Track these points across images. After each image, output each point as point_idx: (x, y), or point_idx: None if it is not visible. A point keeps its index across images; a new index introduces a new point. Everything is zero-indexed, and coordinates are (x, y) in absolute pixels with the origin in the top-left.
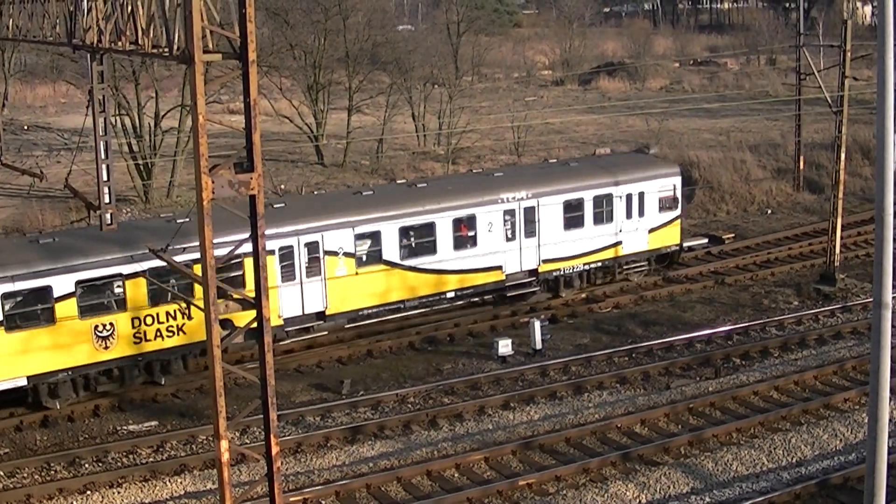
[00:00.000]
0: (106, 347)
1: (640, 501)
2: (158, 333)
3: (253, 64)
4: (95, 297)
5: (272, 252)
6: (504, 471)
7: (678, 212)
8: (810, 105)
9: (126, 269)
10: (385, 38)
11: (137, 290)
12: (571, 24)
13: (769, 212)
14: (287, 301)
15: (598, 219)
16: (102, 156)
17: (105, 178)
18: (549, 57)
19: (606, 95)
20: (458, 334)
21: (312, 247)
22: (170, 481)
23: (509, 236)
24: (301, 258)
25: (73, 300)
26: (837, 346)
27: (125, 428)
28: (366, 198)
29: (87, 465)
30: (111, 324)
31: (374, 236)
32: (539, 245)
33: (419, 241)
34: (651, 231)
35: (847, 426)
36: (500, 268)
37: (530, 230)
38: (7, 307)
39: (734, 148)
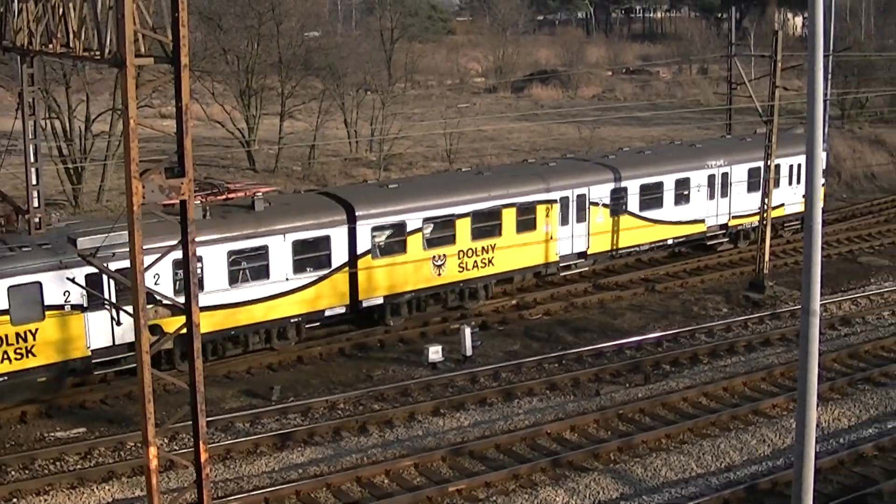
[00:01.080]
0: None
1: None
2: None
3: (185, 68)
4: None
5: (555, 201)
6: (434, 477)
7: (823, 181)
8: (741, 114)
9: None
10: (318, 44)
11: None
12: (505, 32)
13: None
14: (562, 242)
15: (758, 185)
16: (32, 159)
17: (34, 181)
18: (483, 64)
19: (539, 103)
20: (388, 340)
21: (581, 199)
22: (97, 488)
23: (710, 196)
24: (573, 207)
25: None
26: (766, 352)
27: (52, 434)
28: (613, 160)
29: (13, 473)
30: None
31: (623, 191)
32: (730, 203)
33: (652, 196)
34: (803, 196)
35: (775, 432)
36: (703, 221)
37: (725, 191)
38: None
39: None
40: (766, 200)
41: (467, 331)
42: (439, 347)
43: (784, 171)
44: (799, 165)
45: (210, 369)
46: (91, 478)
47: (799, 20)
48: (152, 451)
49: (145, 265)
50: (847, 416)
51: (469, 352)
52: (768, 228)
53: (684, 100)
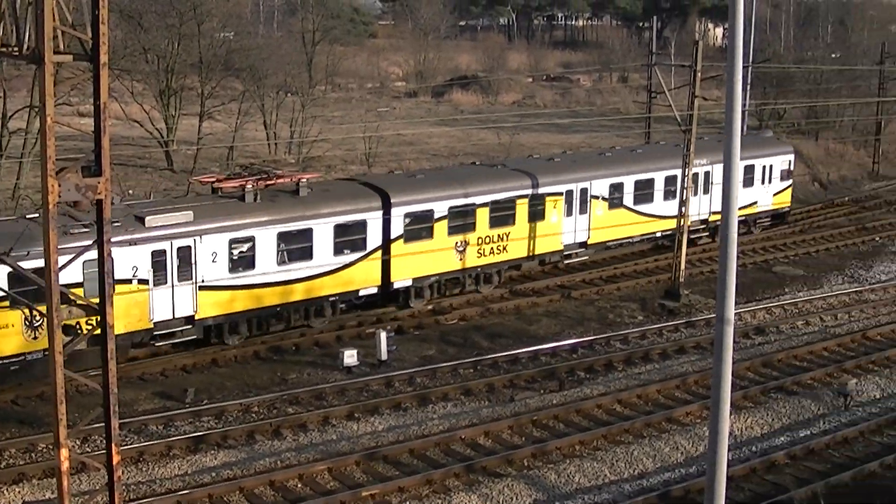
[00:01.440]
0: None
1: None
2: None
3: (104, 66)
4: None
5: (560, 194)
6: (347, 482)
7: (791, 181)
8: (660, 123)
9: None
10: (239, 45)
11: None
12: (427, 37)
13: None
14: (566, 232)
15: (748, 182)
16: None
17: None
18: (404, 68)
19: (459, 108)
20: (303, 344)
21: (584, 192)
22: (7, 490)
23: (693, 192)
24: (577, 200)
25: None
26: (680, 360)
27: None
28: (610, 157)
29: None
30: None
31: (620, 186)
32: (710, 200)
33: (645, 191)
34: (774, 194)
35: (688, 439)
36: (688, 216)
37: (707, 189)
38: None
39: None
40: (682, 210)
41: (383, 335)
42: (354, 351)
43: (757, 172)
44: (770, 166)
45: (124, 371)
46: (1, 479)
47: (720, 31)
48: (64, 452)
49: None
50: (760, 424)
51: (384, 356)
52: (685, 237)
53: (604, 107)
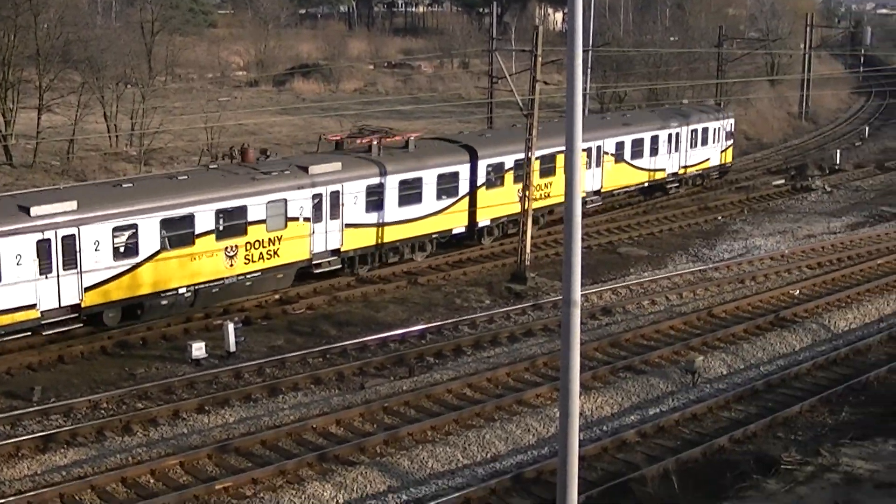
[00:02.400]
0: None
1: (337, 501)
2: None
3: None
4: None
5: (585, 150)
6: (200, 475)
7: (732, 141)
8: (502, 108)
9: None
10: (77, 36)
11: None
12: (267, 25)
13: None
14: (587, 182)
15: (704, 142)
16: None
17: None
18: (244, 58)
19: (301, 97)
20: (150, 338)
21: (599, 149)
22: None
23: (668, 150)
24: (594, 155)
25: None
26: (529, 343)
27: None
28: (610, 120)
29: None
30: None
31: (622, 144)
32: (680, 157)
33: (639, 148)
34: (721, 152)
35: (539, 421)
36: (664, 170)
37: (677, 147)
38: None
39: None
40: (526, 193)
41: (230, 326)
42: (202, 344)
43: (710, 134)
44: (718, 129)
45: None
46: None
47: (559, 16)
48: None
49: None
50: (609, 403)
51: (232, 348)
52: (529, 221)
53: (446, 93)
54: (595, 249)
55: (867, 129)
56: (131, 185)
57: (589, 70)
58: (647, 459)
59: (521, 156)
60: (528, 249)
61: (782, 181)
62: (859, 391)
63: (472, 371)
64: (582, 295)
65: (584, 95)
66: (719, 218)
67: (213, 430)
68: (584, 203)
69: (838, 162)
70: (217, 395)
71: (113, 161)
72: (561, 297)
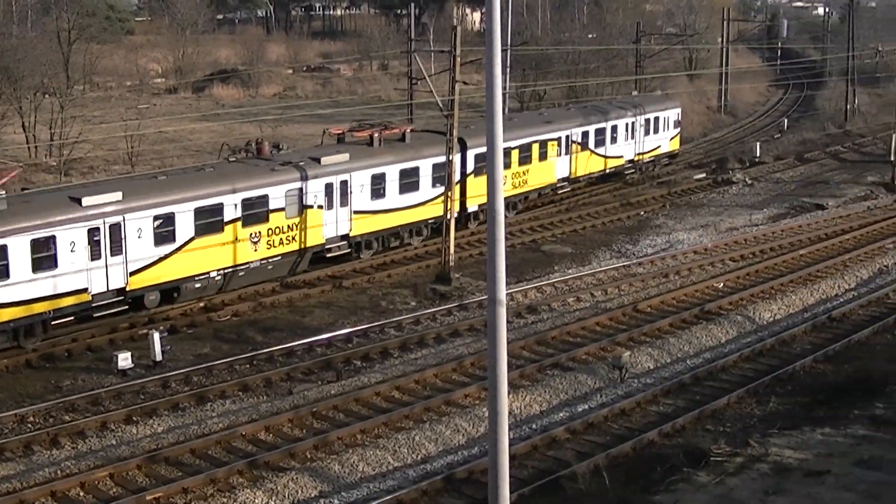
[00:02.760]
0: None
1: None
2: None
3: None
4: None
5: (557, 140)
6: (130, 486)
7: (679, 129)
8: (422, 109)
9: None
10: None
11: None
12: (184, 32)
13: None
14: (558, 169)
15: (655, 130)
16: None
17: None
18: (163, 65)
19: (220, 103)
20: (76, 349)
21: (568, 138)
22: None
23: (626, 138)
24: (565, 145)
25: None
26: (456, 343)
27: None
28: (574, 112)
29: None
30: None
31: (587, 134)
32: (636, 144)
33: (601, 137)
34: (670, 140)
35: (469, 421)
36: (622, 157)
37: (634, 135)
38: None
39: None
40: (448, 193)
41: (156, 336)
42: (129, 354)
43: (661, 123)
44: (668, 118)
45: None
46: None
47: (477, 15)
48: None
49: None
50: (538, 401)
51: (159, 357)
52: (452, 222)
53: (365, 96)
54: (519, 248)
55: (786, 121)
56: (165, 177)
57: (508, 69)
58: (577, 456)
59: (508, 144)
60: (451, 250)
61: (703, 175)
62: (786, 381)
63: (399, 373)
64: (507, 294)
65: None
66: (642, 213)
67: (142, 441)
68: (556, 188)
69: (758, 154)
70: (145, 405)
71: (33, 172)
72: (486, 297)
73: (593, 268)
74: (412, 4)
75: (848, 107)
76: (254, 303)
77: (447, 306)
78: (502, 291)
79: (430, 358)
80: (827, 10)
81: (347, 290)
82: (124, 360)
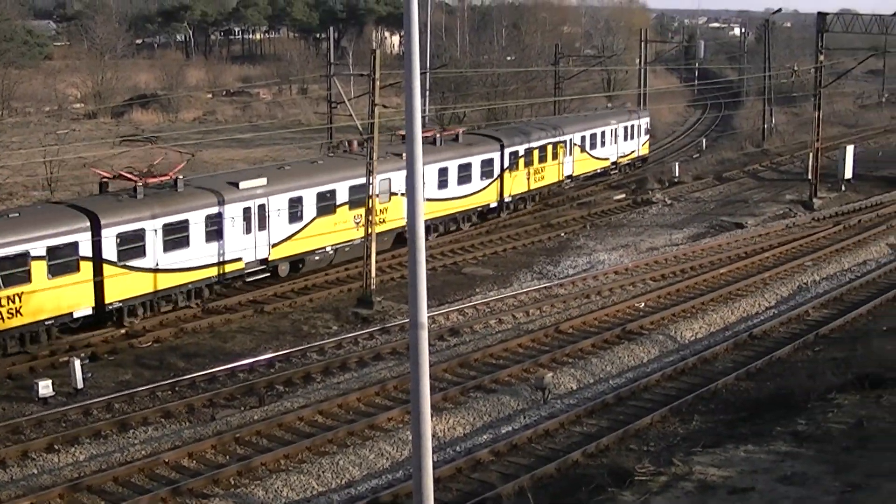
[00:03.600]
0: None
1: None
2: None
3: None
4: None
5: (563, 143)
6: None
7: (649, 136)
8: (342, 132)
9: None
10: None
11: None
12: (103, 56)
13: None
14: (566, 167)
15: (631, 136)
16: None
17: None
18: (82, 90)
19: (140, 128)
20: None
21: (572, 141)
22: None
23: (611, 143)
24: (569, 148)
25: None
26: (378, 367)
27: None
28: (573, 118)
29: None
30: None
31: (584, 138)
32: (617, 148)
33: (594, 141)
34: (642, 145)
35: (392, 445)
36: (608, 159)
37: (615, 140)
38: None
39: None
40: (369, 217)
41: (77, 363)
42: (49, 382)
43: (634, 130)
44: (639, 125)
45: None
46: None
47: (396, 39)
48: None
49: None
50: (462, 424)
51: (80, 384)
52: (373, 246)
53: (285, 120)
54: (440, 271)
55: (704, 140)
56: (289, 167)
57: (427, 92)
58: (501, 477)
59: (534, 144)
60: (373, 274)
61: (623, 195)
62: (708, 399)
63: (322, 398)
64: (429, 317)
65: (423, 118)
66: (562, 234)
67: (64, 469)
68: (561, 185)
69: (677, 174)
70: (66, 433)
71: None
72: (408, 320)
73: (515, 290)
74: (331, 28)
75: (765, 126)
76: (175, 329)
77: (369, 330)
78: (424, 315)
79: (353, 382)
80: (743, 30)
81: (269, 314)
82: (45, 387)
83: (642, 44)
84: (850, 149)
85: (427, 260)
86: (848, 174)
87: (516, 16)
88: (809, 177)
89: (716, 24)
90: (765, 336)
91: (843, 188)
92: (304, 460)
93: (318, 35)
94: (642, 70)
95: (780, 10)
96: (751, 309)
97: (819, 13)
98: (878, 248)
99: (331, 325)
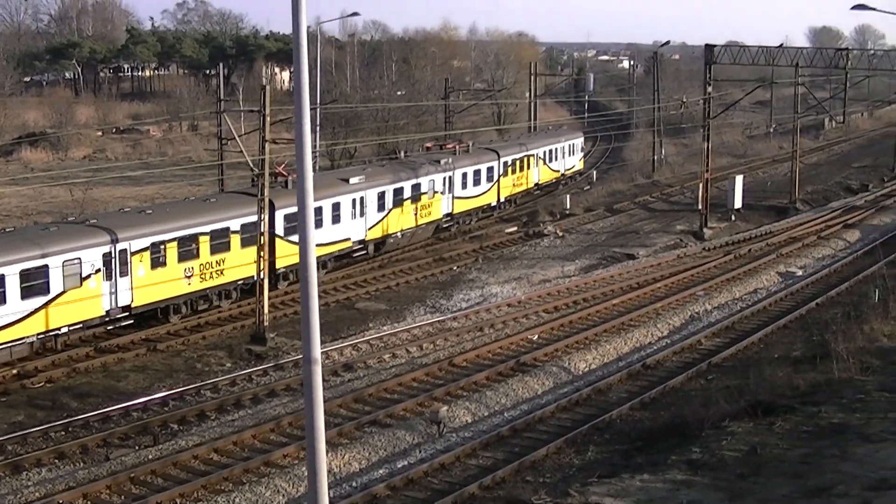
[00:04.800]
0: None
1: None
2: None
3: None
4: None
5: (532, 155)
6: None
7: (583, 153)
8: (233, 169)
9: None
10: None
11: None
12: None
13: None
14: (535, 175)
15: (573, 153)
16: None
17: None
18: None
19: (29, 166)
20: None
21: (535, 155)
22: None
23: (565, 156)
24: (537, 159)
25: None
26: (273, 403)
27: None
28: (531, 137)
29: None
30: None
31: (545, 153)
32: (565, 161)
33: (554, 155)
34: (580, 160)
35: (288, 481)
36: (560, 171)
37: (563, 155)
38: None
39: None
40: (260, 254)
41: None
42: None
43: (575, 148)
44: (576, 143)
45: None
46: None
47: (287, 74)
48: None
49: None
50: (358, 459)
51: None
52: (266, 282)
53: (176, 157)
54: (333, 306)
55: (594, 172)
56: (371, 168)
57: (318, 127)
58: None
59: (518, 156)
60: (266, 310)
61: (515, 228)
62: (603, 430)
63: (217, 435)
64: (322, 352)
65: (313, 153)
66: (455, 268)
67: None
68: (530, 192)
69: (568, 206)
70: None
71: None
72: (302, 356)
73: (408, 324)
74: (221, 64)
75: (655, 157)
76: (67, 368)
77: (263, 367)
78: (317, 350)
79: (248, 419)
80: (632, 63)
81: (162, 353)
82: None
83: (532, 77)
84: (739, 179)
85: (320, 295)
86: (737, 204)
87: (406, 50)
88: (699, 207)
89: (605, 57)
90: (658, 366)
91: (733, 218)
92: (199, 499)
93: (208, 71)
94: (532, 103)
95: (668, 42)
96: (644, 339)
97: (707, 45)
98: (768, 276)
99: (224, 363)
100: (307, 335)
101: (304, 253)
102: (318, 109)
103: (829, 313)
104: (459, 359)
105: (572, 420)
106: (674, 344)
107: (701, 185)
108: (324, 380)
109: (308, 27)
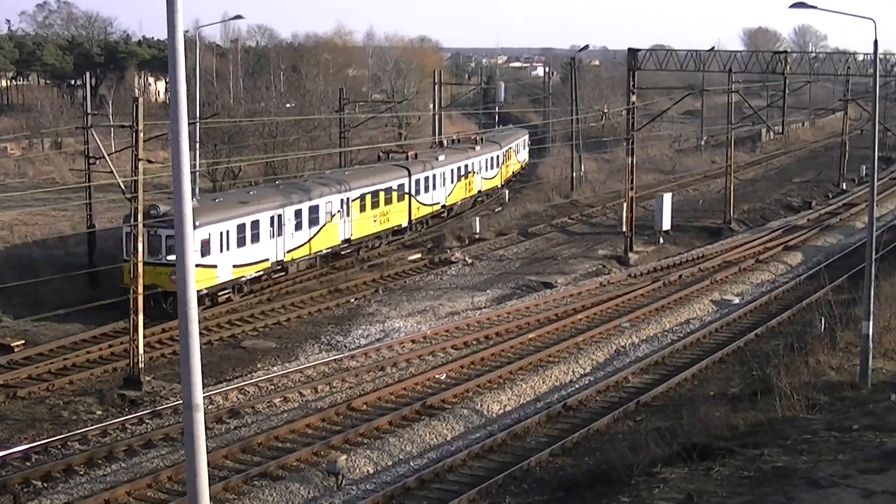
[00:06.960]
0: None
1: None
2: None
3: None
4: None
5: (511, 148)
6: None
7: (527, 150)
8: (103, 191)
9: None
10: None
11: None
12: None
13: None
14: (479, 182)
15: (518, 152)
16: None
17: None
18: None
19: None
20: None
21: (509, 149)
22: None
23: (516, 154)
24: (512, 153)
25: None
26: (150, 455)
27: None
28: (500, 135)
29: None
30: None
31: (512, 146)
32: (503, 169)
33: (517, 150)
34: (523, 159)
35: None
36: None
37: (516, 155)
38: None
39: (20, 245)
40: (136, 279)
41: None
42: None
43: (523, 145)
44: (524, 141)
45: None
46: None
47: (162, 85)
48: None
49: None
50: None
51: None
52: (140, 317)
53: (37, 178)
54: (217, 345)
55: (507, 192)
56: (405, 159)
57: (198, 144)
58: None
59: (470, 161)
60: (141, 350)
61: (418, 255)
62: (521, 478)
63: (87, 493)
64: (205, 397)
65: (193, 173)
66: (352, 301)
67: None
68: (478, 198)
69: (478, 230)
70: None
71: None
72: (181, 402)
73: (301, 363)
74: (88, 73)
75: (574, 174)
76: None
77: (139, 414)
78: (199, 395)
79: (122, 473)
80: (547, 70)
81: (23, 399)
82: None
83: (436, 87)
84: (667, 197)
85: (201, 333)
86: (666, 225)
87: (296, 58)
88: (624, 229)
89: (517, 64)
90: (581, 406)
91: (661, 241)
92: None
93: (73, 81)
94: (436, 115)
95: (587, 46)
96: (564, 377)
97: (630, 49)
98: (702, 305)
99: (94, 410)
100: (187, 378)
101: (182, 283)
102: (198, 124)
103: (769, 345)
104: (359, 402)
105: (486, 468)
106: (598, 382)
107: (625, 205)
108: (207, 428)
109: (186, 32)
